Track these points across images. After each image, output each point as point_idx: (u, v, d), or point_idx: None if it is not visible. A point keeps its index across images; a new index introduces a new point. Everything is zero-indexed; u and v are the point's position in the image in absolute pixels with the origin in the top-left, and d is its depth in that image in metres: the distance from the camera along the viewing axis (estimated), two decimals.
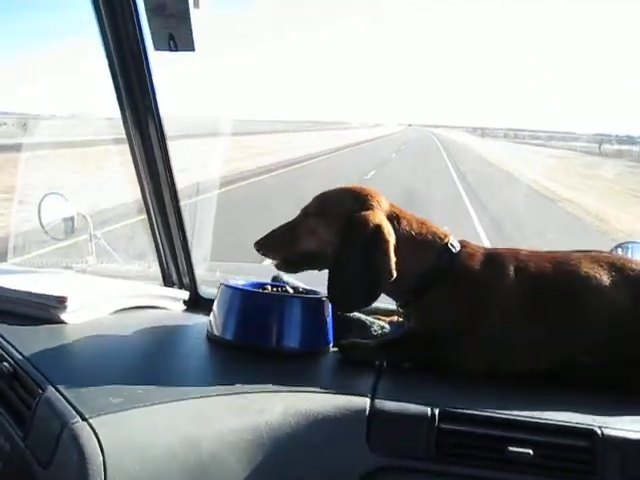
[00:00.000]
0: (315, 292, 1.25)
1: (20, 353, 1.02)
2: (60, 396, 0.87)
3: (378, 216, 1.13)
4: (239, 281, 1.27)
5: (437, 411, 0.94)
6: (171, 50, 1.23)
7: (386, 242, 1.10)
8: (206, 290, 1.67)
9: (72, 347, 1.09)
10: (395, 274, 1.08)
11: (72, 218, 1.75)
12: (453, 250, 1.15)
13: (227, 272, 1.93)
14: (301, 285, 1.37)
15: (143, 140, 1.45)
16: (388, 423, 0.94)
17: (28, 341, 1.08)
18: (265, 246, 1.21)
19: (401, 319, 1.27)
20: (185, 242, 1.60)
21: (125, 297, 1.38)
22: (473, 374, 1.07)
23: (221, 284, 1.23)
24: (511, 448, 0.91)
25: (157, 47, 1.25)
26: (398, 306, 1.21)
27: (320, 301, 1.19)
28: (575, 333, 1.09)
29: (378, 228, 1.10)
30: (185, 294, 1.58)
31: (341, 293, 1.13)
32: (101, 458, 0.76)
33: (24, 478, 0.84)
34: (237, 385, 0.96)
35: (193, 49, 1.24)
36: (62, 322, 1.20)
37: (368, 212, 1.13)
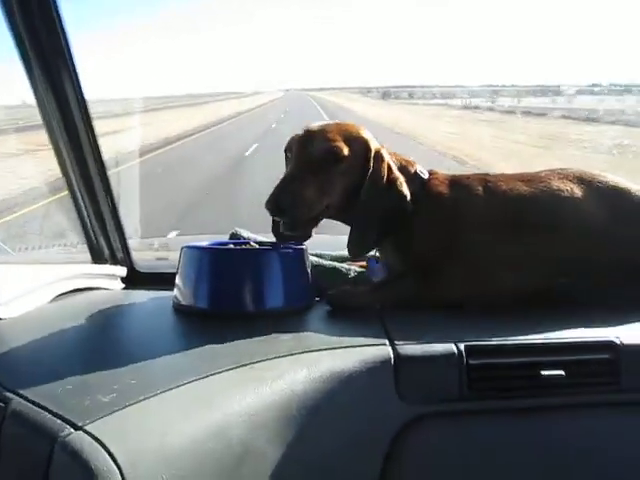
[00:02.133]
0: (278, 244, 1.09)
1: None
2: (32, 405, 0.67)
3: (383, 150, 1.06)
4: (199, 243, 1.09)
5: (462, 347, 0.85)
6: None
7: (399, 177, 1.05)
8: (142, 264, 1.46)
9: (19, 345, 0.86)
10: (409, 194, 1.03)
11: None
12: (423, 177, 1.07)
13: (161, 246, 1.72)
14: (263, 238, 1.21)
15: (60, 106, 1.20)
16: (416, 368, 0.83)
17: None
18: (289, 205, 0.97)
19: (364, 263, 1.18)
20: (116, 213, 1.37)
21: (61, 280, 1.14)
22: (464, 302, 1.00)
23: (183, 247, 1.05)
24: (544, 372, 0.84)
25: None
26: None
27: (302, 252, 1.04)
28: (554, 248, 1.03)
29: (390, 165, 1.05)
30: (122, 270, 1.36)
31: (364, 236, 1.04)
32: (118, 474, 0.57)
33: None
34: (238, 356, 0.80)
35: None
36: None
37: (379, 147, 1.06)
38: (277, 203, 0.96)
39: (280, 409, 0.73)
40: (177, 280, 1.05)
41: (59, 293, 1.13)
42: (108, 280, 1.31)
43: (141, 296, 1.19)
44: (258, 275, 0.99)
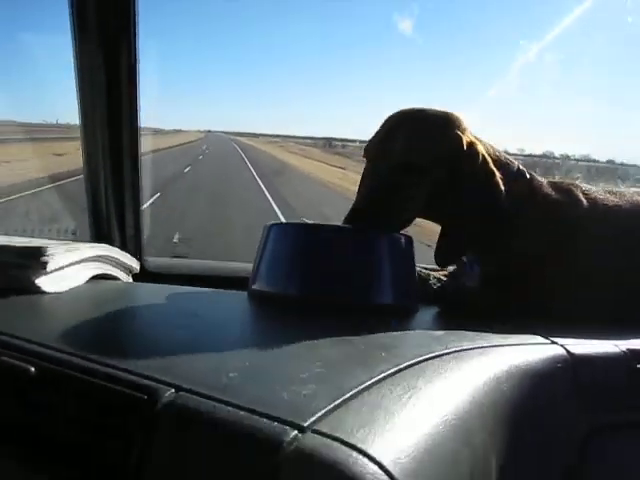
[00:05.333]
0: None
1: (30, 341, 0.53)
2: (204, 399, 0.44)
3: (479, 144, 0.89)
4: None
5: (625, 348, 0.73)
6: None
7: (495, 173, 0.87)
8: (150, 260, 1.21)
9: (109, 322, 0.61)
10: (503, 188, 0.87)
11: None
12: (526, 175, 0.94)
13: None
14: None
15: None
16: (590, 369, 0.70)
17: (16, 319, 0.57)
18: (370, 223, 0.83)
19: (442, 273, 1.04)
20: (137, 203, 1.14)
21: (96, 261, 0.88)
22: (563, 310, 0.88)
23: (271, 225, 0.84)
24: None
25: None
26: None
27: (411, 241, 0.87)
28: None
29: (485, 159, 0.87)
30: (136, 263, 1.11)
31: (456, 245, 0.87)
32: None
33: None
34: (409, 348, 0.62)
35: None
36: (39, 291, 0.69)
37: (473, 142, 0.88)
38: (360, 219, 0.83)
39: (494, 404, 0.55)
40: (259, 264, 0.83)
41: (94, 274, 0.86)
42: (124, 272, 1.05)
43: (177, 289, 0.95)
44: (369, 262, 0.81)
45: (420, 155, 0.84)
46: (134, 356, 0.52)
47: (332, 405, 0.44)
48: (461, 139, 0.86)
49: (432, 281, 0.97)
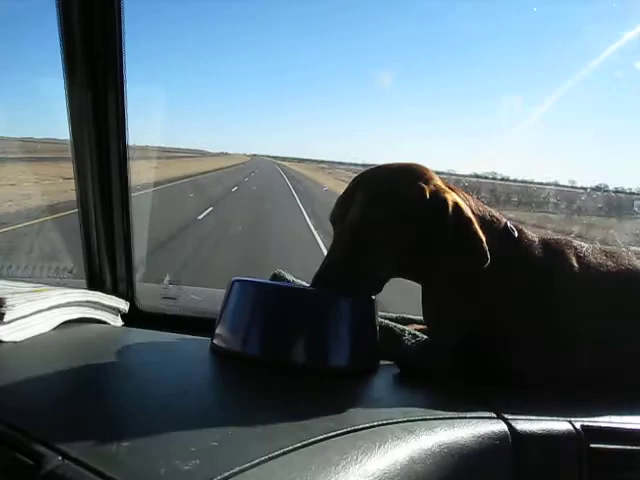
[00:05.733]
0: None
1: None
2: (82, 469, 0.45)
3: (450, 193, 0.84)
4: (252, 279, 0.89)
5: (579, 426, 0.69)
6: None
7: (472, 222, 0.82)
8: (145, 303, 1.23)
9: (36, 381, 0.63)
10: (489, 256, 0.81)
11: None
12: (513, 234, 0.89)
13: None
14: (306, 284, 1.03)
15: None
16: (534, 448, 0.66)
17: None
18: (337, 288, 0.82)
19: (420, 327, 1.01)
20: (129, 241, 1.17)
21: (69, 306, 0.91)
22: (543, 379, 0.84)
23: (234, 280, 0.85)
24: None
25: None
26: None
27: (372, 303, 0.86)
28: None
29: (459, 207, 0.82)
30: (125, 305, 1.13)
31: (441, 303, 0.85)
32: None
33: None
34: (330, 420, 0.60)
35: None
36: None
37: (439, 191, 0.84)
38: (325, 285, 0.82)
39: None
40: (221, 319, 0.84)
41: (65, 320, 0.89)
42: (111, 314, 1.08)
43: (155, 336, 0.97)
44: (326, 324, 0.80)
45: (376, 214, 0.81)
46: (40, 415, 0.54)
47: None
48: (423, 190, 0.83)
49: (406, 337, 0.95)
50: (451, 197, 0.83)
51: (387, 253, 0.84)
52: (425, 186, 0.84)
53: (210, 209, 10.08)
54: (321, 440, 0.55)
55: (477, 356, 0.85)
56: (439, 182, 0.87)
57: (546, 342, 0.85)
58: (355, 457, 0.53)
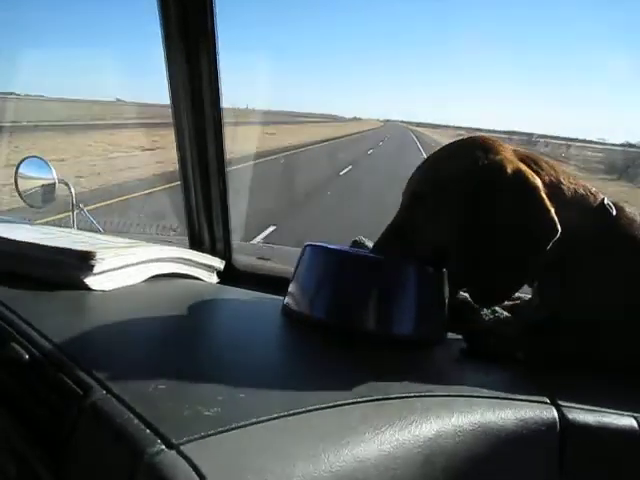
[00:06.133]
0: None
1: (40, 333, 0.65)
2: (117, 402, 0.51)
3: (513, 160, 0.77)
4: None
5: None
6: None
7: (536, 188, 0.75)
8: (241, 262, 1.31)
9: (109, 323, 0.71)
10: (560, 228, 0.74)
11: (53, 185, 1.32)
12: (612, 212, 0.81)
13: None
14: None
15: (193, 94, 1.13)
16: (586, 441, 0.61)
17: (49, 315, 0.70)
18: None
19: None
20: (225, 202, 1.24)
21: (160, 261, 1.00)
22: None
23: (307, 246, 0.88)
24: None
25: None
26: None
27: (440, 273, 0.84)
28: None
29: (520, 174, 0.75)
30: (221, 263, 1.21)
31: (487, 280, 0.77)
32: None
33: None
34: (367, 386, 0.61)
35: None
36: (87, 288, 0.83)
37: (499, 158, 0.77)
38: (378, 252, 0.85)
39: (423, 465, 0.52)
40: (292, 282, 0.87)
41: (155, 274, 0.99)
42: (205, 271, 1.17)
43: (241, 294, 1.03)
44: (392, 293, 0.80)
45: (425, 183, 0.81)
46: (101, 354, 0.62)
47: (215, 430, 0.47)
48: (479, 158, 0.78)
49: (485, 311, 0.91)
50: (512, 165, 0.77)
51: (443, 218, 0.80)
52: (483, 154, 0.79)
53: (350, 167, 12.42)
54: (346, 404, 0.55)
55: (565, 341, 0.79)
56: (508, 153, 0.80)
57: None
58: (375, 424, 0.53)
